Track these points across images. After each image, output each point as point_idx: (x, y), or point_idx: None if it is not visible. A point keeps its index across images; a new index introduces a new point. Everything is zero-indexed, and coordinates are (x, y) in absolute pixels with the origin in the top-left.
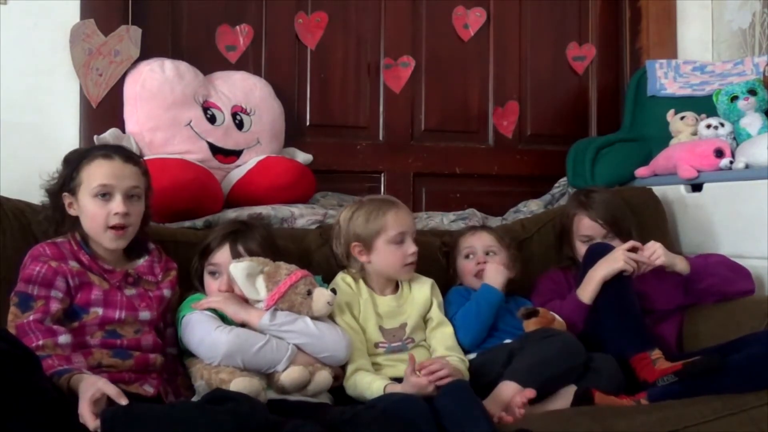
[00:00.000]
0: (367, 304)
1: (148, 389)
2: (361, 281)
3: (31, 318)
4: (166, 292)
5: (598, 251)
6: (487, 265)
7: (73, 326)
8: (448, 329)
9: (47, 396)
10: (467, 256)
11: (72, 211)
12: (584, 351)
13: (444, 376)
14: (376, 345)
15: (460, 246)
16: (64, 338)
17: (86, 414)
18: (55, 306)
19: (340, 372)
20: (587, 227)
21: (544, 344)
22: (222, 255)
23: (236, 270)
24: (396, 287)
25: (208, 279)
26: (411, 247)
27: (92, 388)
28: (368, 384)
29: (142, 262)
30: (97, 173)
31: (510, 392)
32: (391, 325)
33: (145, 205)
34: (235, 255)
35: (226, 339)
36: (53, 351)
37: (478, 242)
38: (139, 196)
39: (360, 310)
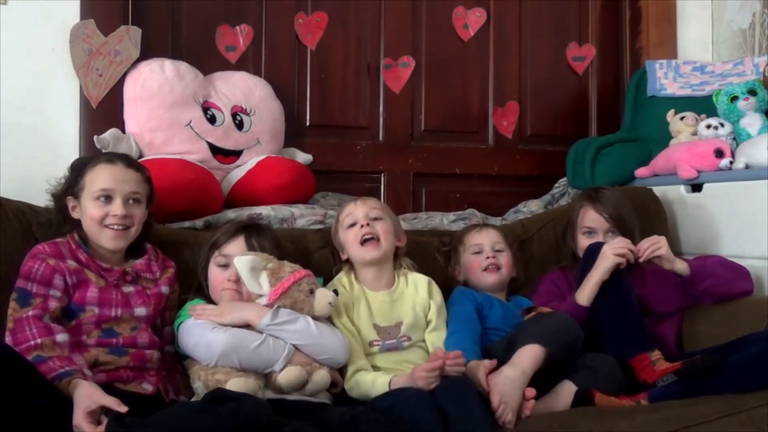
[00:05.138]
0: (360, 302)
1: (147, 387)
2: (354, 280)
3: (30, 313)
4: (164, 289)
5: (596, 251)
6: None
7: (70, 325)
8: (443, 334)
9: (43, 414)
10: (475, 253)
11: (75, 214)
12: (580, 329)
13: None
14: (371, 343)
15: (467, 243)
16: (61, 337)
17: (84, 425)
18: (53, 304)
19: (339, 380)
20: (591, 219)
21: (547, 319)
22: (235, 246)
23: (240, 263)
24: (391, 283)
25: (215, 271)
26: (361, 223)
27: (87, 401)
28: (371, 382)
29: (139, 260)
30: (99, 177)
31: (533, 353)
32: (386, 323)
33: (148, 213)
34: (250, 247)
35: (222, 338)
36: (52, 351)
37: (486, 239)
38: (140, 201)
39: (354, 310)
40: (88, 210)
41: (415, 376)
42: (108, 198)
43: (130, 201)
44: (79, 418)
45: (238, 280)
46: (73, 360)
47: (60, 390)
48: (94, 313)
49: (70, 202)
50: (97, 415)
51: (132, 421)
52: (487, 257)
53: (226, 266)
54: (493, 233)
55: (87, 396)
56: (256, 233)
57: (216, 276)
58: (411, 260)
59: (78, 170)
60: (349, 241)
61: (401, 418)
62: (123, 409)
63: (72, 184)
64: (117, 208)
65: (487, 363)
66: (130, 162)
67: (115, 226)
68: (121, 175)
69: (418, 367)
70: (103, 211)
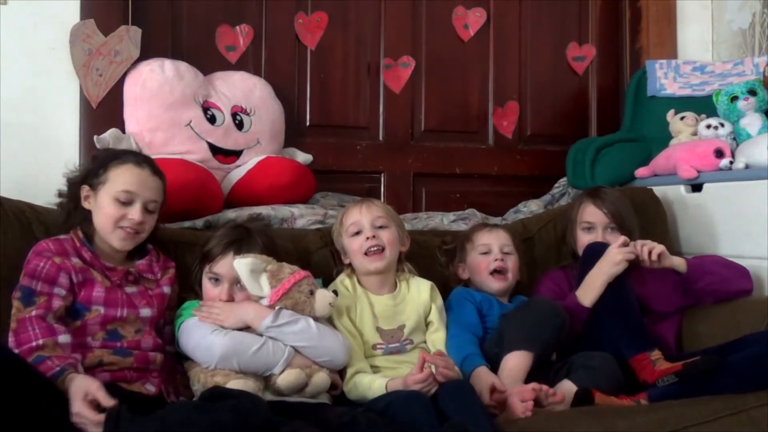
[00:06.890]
0: (363, 306)
1: (150, 388)
2: (356, 283)
3: (33, 313)
4: (166, 289)
5: (596, 251)
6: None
7: (75, 325)
8: (444, 335)
9: (44, 417)
10: (483, 253)
11: (86, 204)
12: (563, 311)
13: (448, 375)
14: (374, 346)
15: (476, 242)
16: (63, 338)
17: (86, 412)
18: (57, 303)
19: (338, 381)
20: (591, 213)
21: (529, 312)
22: (224, 265)
23: (240, 265)
24: (393, 287)
25: (207, 285)
26: (367, 235)
27: (83, 390)
28: (368, 384)
29: (141, 261)
30: (124, 177)
31: (520, 361)
32: (389, 326)
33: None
34: None
35: (222, 342)
36: (53, 351)
37: (495, 240)
38: (155, 211)
39: (357, 313)
40: (104, 207)
41: (408, 386)
42: (128, 201)
43: (148, 208)
44: (79, 406)
45: (230, 299)
46: (70, 357)
47: (62, 390)
48: (100, 313)
49: (84, 191)
50: (95, 405)
51: (131, 417)
52: (495, 259)
53: (217, 280)
54: (503, 235)
55: (82, 386)
56: (246, 246)
57: (209, 289)
58: (412, 261)
59: (102, 163)
60: (354, 249)
61: (399, 418)
62: (111, 402)
63: (92, 174)
64: (135, 213)
65: (495, 384)
66: (155, 169)
67: (129, 229)
68: (146, 181)
69: (409, 376)
70: (121, 213)
